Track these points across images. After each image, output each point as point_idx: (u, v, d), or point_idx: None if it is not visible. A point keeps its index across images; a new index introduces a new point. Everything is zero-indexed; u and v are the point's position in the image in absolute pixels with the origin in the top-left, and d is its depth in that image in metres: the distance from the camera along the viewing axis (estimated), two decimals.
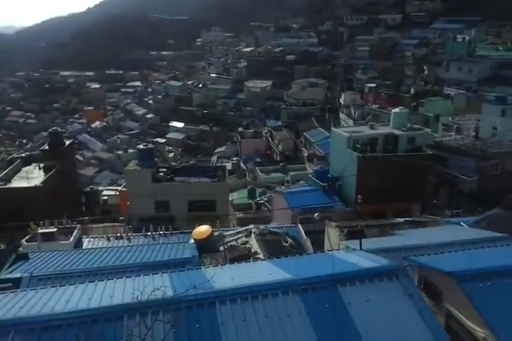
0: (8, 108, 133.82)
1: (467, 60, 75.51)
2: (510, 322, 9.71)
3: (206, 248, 16.72)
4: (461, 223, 21.15)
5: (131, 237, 19.22)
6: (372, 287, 10.40)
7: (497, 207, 22.22)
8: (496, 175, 33.94)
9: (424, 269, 12.35)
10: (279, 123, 70.67)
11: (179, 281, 10.62)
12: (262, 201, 39.17)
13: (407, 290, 10.43)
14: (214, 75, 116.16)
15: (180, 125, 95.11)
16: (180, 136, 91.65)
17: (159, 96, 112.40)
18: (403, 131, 33.99)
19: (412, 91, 67.23)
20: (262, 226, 19.66)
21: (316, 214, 24.25)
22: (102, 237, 20.22)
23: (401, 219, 20.91)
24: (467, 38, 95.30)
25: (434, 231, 18.62)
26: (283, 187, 37.23)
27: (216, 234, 18.43)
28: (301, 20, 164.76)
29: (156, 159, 41.88)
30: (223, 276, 10.78)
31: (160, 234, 19.17)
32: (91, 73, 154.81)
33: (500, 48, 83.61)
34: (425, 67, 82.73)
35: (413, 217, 24.41)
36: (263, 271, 11.15)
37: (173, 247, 16.75)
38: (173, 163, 52.21)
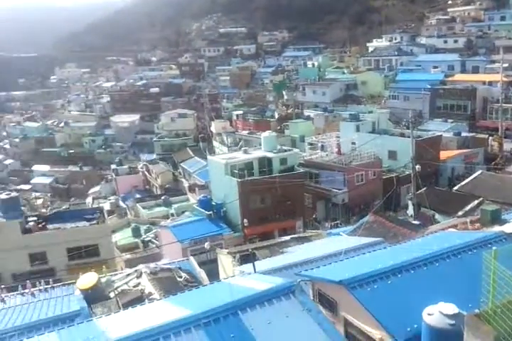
0: None
1: (319, 84, 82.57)
2: (400, 319, 10.53)
3: (95, 297, 15.61)
4: (341, 233, 22.74)
5: (5, 298, 17.07)
6: (271, 308, 10.59)
7: (368, 214, 24.29)
8: (361, 185, 37.19)
9: (317, 282, 12.89)
10: (154, 156, 69.50)
11: (70, 338, 9.77)
12: (148, 238, 37.75)
13: (304, 306, 10.79)
14: (76, 113, 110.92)
15: (46, 168, 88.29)
16: (47, 180, 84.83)
17: (16, 140, 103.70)
18: (275, 153, 35.78)
19: (276, 115, 71.19)
20: (152, 265, 18.92)
21: (207, 243, 24.12)
22: None
23: (287, 237, 21.76)
24: (316, 63, 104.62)
25: (319, 244, 19.64)
26: (168, 221, 36.38)
27: (103, 280, 17.30)
28: (159, 53, 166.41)
29: (23, 208, 38.27)
30: (118, 325, 10.15)
31: (40, 289, 17.34)
32: None
33: (345, 71, 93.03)
34: (284, 93, 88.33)
35: (298, 233, 25.53)
36: (160, 312, 10.73)
37: (57, 302, 15.28)
38: (43, 210, 48.02)
